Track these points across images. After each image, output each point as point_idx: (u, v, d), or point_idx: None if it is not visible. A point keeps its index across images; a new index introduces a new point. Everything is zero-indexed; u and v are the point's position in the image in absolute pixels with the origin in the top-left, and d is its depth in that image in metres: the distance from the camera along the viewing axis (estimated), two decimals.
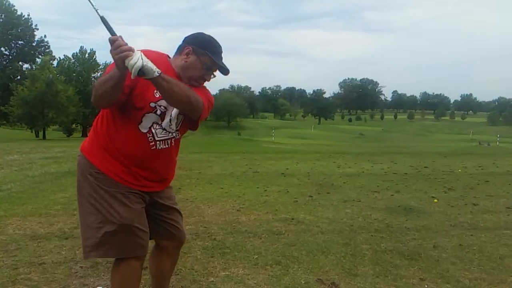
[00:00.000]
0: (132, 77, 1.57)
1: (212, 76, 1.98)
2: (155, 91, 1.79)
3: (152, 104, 1.83)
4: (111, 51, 1.57)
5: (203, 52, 1.90)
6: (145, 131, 1.85)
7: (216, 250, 3.40)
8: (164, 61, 1.92)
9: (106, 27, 1.61)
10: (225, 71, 1.97)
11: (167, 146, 1.93)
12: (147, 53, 1.66)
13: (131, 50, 1.56)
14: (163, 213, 2.09)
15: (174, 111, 1.87)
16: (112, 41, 1.57)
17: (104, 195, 1.84)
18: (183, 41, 1.98)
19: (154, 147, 1.89)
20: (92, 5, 1.60)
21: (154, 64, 1.62)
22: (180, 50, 1.95)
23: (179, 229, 2.16)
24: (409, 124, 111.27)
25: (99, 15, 1.61)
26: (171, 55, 2.00)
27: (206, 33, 2.00)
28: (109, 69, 1.70)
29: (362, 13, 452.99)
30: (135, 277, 1.95)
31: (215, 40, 1.97)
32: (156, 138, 1.89)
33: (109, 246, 1.84)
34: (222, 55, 1.98)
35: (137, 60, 1.56)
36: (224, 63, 1.97)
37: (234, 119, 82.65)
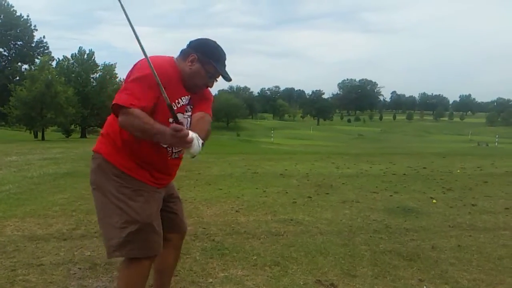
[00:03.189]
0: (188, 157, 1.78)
1: (215, 81, 2.03)
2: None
3: None
4: (173, 136, 1.66)
5: (208, 60, 1.94)
6: (165, 146, 1.96)
7: (215, 251, 3.40)
8: (174, 67, 1.94)
9: (162, 94, 1.70)
10: (228, 78, 2.02)
11: (180, 153, 2.06)
12: (154, 60, 1.72)
13: (192, 139, 1.68)
14: (170, 204, 2.18)
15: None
16: (176, 130, 1.65)
17: (129, 194, 1.89)
18: (188, 46, 2.00)
19: (171, 157, 2.02)
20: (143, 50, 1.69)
21: (168, 75, 1.79)
22: (185, 55, 1.96)
23: (183, 220, 2.27)
24: (408, 125, 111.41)
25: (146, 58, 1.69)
26: (174, 56, 2.02)
27: (211, 38, 2.02)
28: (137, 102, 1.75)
29: (360, 14, 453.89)
30: (146, 276, 2.00)
31: (220, 48, 2.00)
32: (174, 151, 2.01)
33: (133, 246, 1.88)
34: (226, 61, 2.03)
35: (197, 149, 1.68)
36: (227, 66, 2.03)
37: (233, 120, 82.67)
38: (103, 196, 1.92)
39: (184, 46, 2.02)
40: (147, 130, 1.73)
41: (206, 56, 1.94)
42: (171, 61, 1.97)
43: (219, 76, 2.01)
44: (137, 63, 1.87)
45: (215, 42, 2.02)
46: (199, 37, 2.03)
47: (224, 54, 2.01)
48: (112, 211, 1.89)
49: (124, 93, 1.78)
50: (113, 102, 1.75)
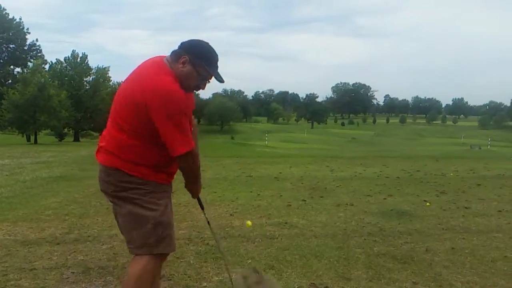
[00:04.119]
0: None
1: (207, 83, 2.05)
2: None
3: None
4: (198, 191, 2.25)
5: (200, 63, 1.95)
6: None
7: (209, 255, 3.39)
8: (166, 70, 1.94)
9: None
10: (220, 80, 2.04)
11: None
12: (145, 65, 1.88)
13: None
14: None
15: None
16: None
17: (156, 197, 2.01)
18: (180, 47, 2.00)
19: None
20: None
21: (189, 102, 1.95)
22: (176, 56, 1.97)
23: None
24: (401, 128, 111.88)
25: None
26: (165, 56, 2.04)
27: (203, 40, 2.02)
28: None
29: (353, 18, 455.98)
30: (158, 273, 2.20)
31: (212, 50, 2.01)
32: None
33: (165, 243, 2.03)
34: (218, 63, 2.04)
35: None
36: (219, 68, 2.04)
37: (227, 123, 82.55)
38: (129, 204, 2.00)
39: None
40: (198, 175, 2.14)
41: (198, 58, 1.95)
42: (162, 64, 1.96)
43: (211, 77, 2.03)
44: (173, 97, 1.86)
45: (207, 44, 2.02)
46: (191, 38, 2.03)
47: (216, 55, 2.02)
48: (142, 214, 1.98)
49: (186, 136, 1.91)
50: (186, 150, 1.89)
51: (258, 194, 6.18)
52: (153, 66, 1.96)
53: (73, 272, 2.98)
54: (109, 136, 2.01)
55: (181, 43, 2.02)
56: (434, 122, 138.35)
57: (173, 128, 1.86)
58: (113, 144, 1.99)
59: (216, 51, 2.02)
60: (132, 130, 1.92)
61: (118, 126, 1.95)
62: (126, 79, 2.03)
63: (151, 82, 1.86)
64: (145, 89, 1.85)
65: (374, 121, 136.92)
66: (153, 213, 1.99)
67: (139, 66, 2.02)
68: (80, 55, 42.09)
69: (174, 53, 1.99)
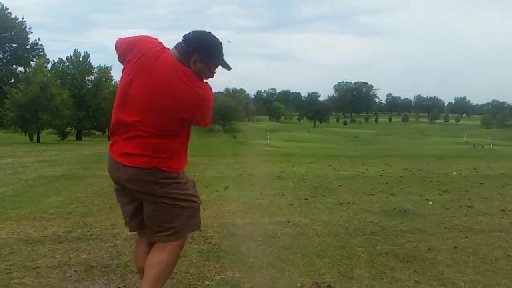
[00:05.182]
0: None
1: (215, 72, 2.15)
2: None
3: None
4: None
5: (209, 59, 2.04)
6: None
7: (211, 254, 3.40)
8: (188, 73, 2.01)
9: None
10: (228, 68, 2.12)
11: None
12: (164, 69, 1.97)
13: None
14: None
15: None
16: None
17: (188, 186, 2.24)
18: (186, 43, 2.01)
19: None
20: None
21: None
22: (186, 54, 2.00)
23: None
24: (404, 127, 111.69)
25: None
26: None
27: (204, 30, 2.05)
28: None
29: (355, 17, 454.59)
30: None
31: (217, 40, 2.07)
32: None
33: (199, 223, 2.34)
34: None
35: None
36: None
37: (229, 123, 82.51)
38: (170, 199, 2.13)
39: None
40: None
41: (207, 55, 2.03)
42: (189, 72, 2.01)
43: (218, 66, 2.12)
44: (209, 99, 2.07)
45: (211, 35, 2.05)
46: (193, 30, 2.04)
47: (221, 44, 2.08)
48: (183, 205, 2.17)
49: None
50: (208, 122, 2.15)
51: (260, 193, 6.18)
52: (176, 72, 1.98)
53: (76, 271, 2.99)
54: (136, 142, 2.04)
55: (186, 37, 2.02)
56: (437, 121, 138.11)
57: (207, 118, 2.13)
58: (144, 147, 2.04)
59: (221, 42, 2.08)
60: (168, 134, 2.05)
61: (150, 133, 2.02)
62: (138, 79, 2.00)
63: (187, 96, 1.98)
64: (184, 104, 1.99)
65: (377, 120, 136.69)
66: (188, 203, 2.19)
67: (156, 68, 1.99)
68: (82, 54, 42.16)
69: (182, 49, 2.00)
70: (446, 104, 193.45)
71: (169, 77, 1.97)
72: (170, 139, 2.08)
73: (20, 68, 40.34)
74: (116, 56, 2.19)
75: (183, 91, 1.96)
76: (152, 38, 2.14)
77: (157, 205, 2.13)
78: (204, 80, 2.08)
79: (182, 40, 2.03)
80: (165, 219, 2.15)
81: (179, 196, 2.15)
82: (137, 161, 2.05)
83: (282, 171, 8.88)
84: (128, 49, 2.08)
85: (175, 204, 2.14)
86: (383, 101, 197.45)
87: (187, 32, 2.05)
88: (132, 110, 2.01)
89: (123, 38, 2.18)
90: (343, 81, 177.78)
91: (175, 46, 2.04)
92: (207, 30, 2.07)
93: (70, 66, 41.74)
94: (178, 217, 2.17)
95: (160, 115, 1.99)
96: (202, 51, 2.00)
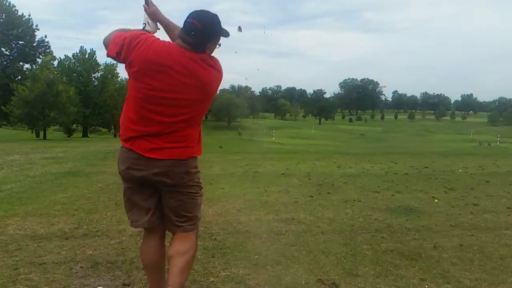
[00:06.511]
0: None
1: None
2: None
3: None
4: None
5: (219, 38, 2.09)
6: None
7: (216, 250, 3.41)
8: (204, 58, 2.05)
9: None
10: (227, 35, 2.11)
11: None
12: (185, 65, 1.98)
13: None
14: None
15: None
16: None
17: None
18: (196, 36, 1.98)
19: None
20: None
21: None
22: (199, 46, 2.02)
23: None
24: (410, 124, 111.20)
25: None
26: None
27: (203, 12, 2.06)
28: None
29: (361, 13, 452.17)
30: None
31: (216, 18, 2.06)
32: None
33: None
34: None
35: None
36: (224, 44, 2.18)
37: (235, 120, 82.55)
38: (195, 188, 2.24)
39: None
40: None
41: (217, 37, 2.09)
42: (204, 58, 2.04)
43: None
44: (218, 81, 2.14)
45: (213, 19, 2.05)
46: (193, 18, 2.01)
47: (218, 18, 2.08)
48: (201, 194, 2.31)
49: None
50: None
51: (265, 190, 6.19)
52: (192, 60, 2.00)
53: (82, 267, 3.01)
54: (167, 136, 2.08)
55: (193, 30, 1.98)
56: (443, 118, 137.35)
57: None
58: (176, 140, 2.10)
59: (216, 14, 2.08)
60: (194, 122, 2.15)
61: (180, 126, 2.08)
62: (156, 76, 1.98)
63: (211, 78, 2.07)
64: (210, 89, 2.11)
65: (382, 117, 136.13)
66: (201, 192, 2.31)
67: (173, 68, 1.98)
68: (89, 51, 42.38)
69: (193, 42, 1.99)
70: (452, 101, 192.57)
71: (187, 67, 1.98)
72: (196, 127, 2.19)
73: (27, 65, 40.65)
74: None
75: (205, 75, 2.03)
76: (142, 32, 2.17)
77: (183, 195, 2.20)
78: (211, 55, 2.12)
79: (188, 32, 1.99)
80: (188, 209, 2.23)
81: (200, 185, 2.27)
82: (174, 153, 2.11)
83: (287, 168, 8.87)
84: (131, 47, 2.03)
85: (197, 193, 2.26)
86: (389, 98, 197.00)
87: (187, 19, 2.01)
88: (158, 107, 2.02)
89: (118, 34, 2.09)
90: (348, 78, 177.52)
91: (180, 38, 2.02)
92: (200, 9, 2.07)
93: (76, 63, 42.00)
94: (199, 206, 2.30)
95: (188, 107, 2.06)
96: (213, 36, 2.05)
